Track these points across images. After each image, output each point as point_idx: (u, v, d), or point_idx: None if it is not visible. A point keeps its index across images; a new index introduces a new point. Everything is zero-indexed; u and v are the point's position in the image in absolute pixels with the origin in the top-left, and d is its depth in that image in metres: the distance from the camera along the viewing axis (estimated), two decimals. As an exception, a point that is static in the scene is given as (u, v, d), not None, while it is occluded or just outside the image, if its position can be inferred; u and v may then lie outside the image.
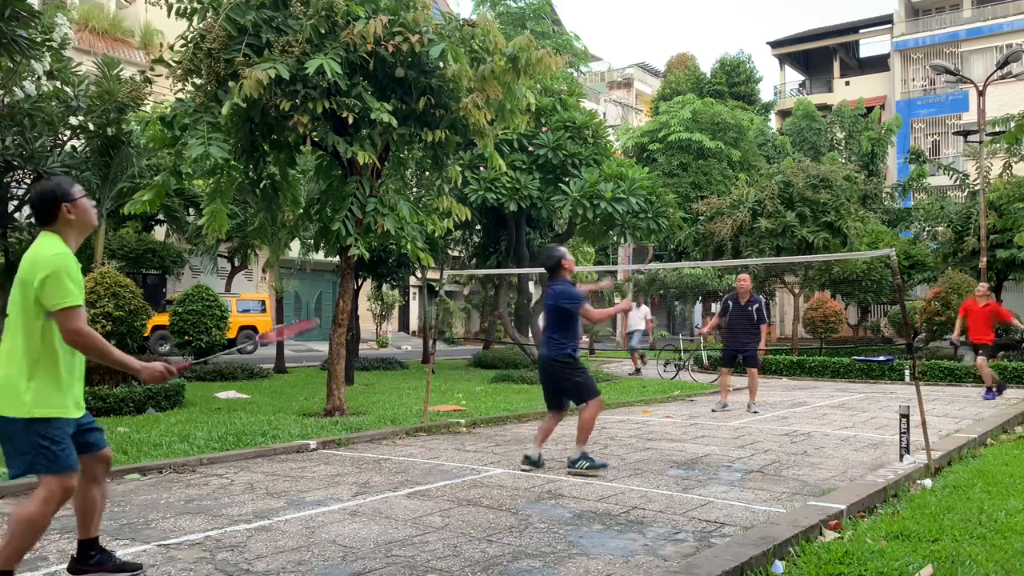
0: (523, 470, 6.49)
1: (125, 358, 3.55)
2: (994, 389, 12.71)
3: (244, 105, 7.98)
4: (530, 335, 18.30)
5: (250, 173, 9.74)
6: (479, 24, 9.12)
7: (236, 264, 25.97)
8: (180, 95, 8.91)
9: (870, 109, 37.40)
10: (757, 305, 10.81)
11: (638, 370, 18.30)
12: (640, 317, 18.63)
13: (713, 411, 10.94)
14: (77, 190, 3.56)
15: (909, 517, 4.80)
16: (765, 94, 44.82)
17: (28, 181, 13.87)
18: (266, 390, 12.61)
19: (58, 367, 3.41)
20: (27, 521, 3.35)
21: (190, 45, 8.53)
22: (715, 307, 42.28)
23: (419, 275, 23.13)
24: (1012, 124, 19.84)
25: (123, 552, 4.23)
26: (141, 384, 9.57)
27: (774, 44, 47.23)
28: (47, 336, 3.38)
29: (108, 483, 4.08)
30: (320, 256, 17.61)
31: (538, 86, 15.34)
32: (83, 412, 3.58)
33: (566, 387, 6.61)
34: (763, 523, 4.77)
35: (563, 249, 6.78)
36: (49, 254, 3.38)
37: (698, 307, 39.52)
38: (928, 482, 5.92)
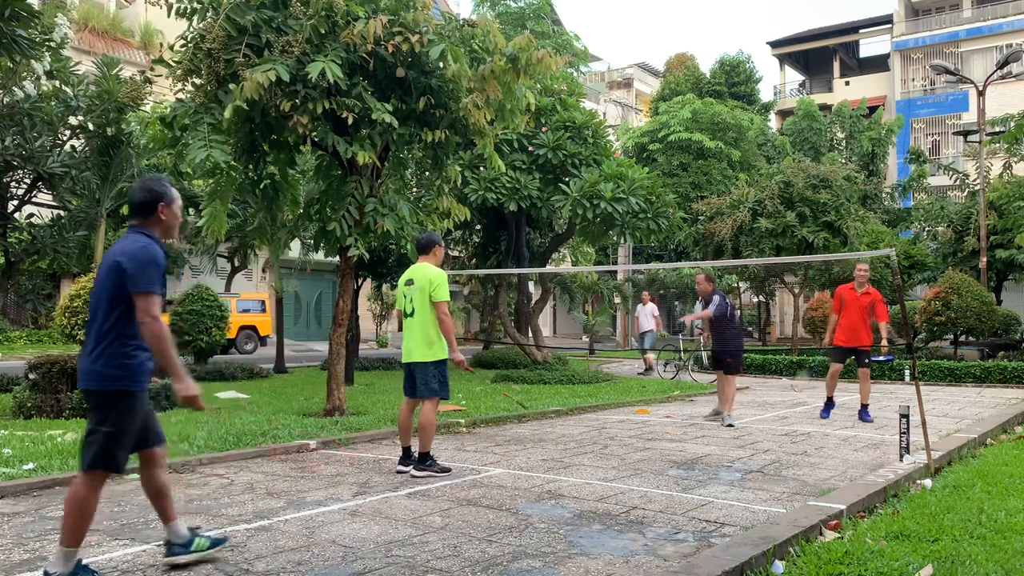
0: None
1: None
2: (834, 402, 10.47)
3: (245, 107, 7.98)
4: (530, 335, 18.29)
5: (250, 173, 9.74)
6: (479, 24, 9.11)
7: (236, 264, 25.96)
8: (180, 95, 8.91)
9: (872, 109, 37.39)
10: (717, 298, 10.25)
11: (651, 368, 18.22)
12: (648, 315, 18.62)
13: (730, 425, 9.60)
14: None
15: (909, 517, 4.80)
16: (765, 94, 44.84)
17: (28, 181, 13.87)
18: (266, 390, 12.60)
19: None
20: (429, 424, 6.32)
21: (190, 45, 8.52)
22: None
23: (419, 275, 23.07)
24: (1012, 124, 19.85)
25: (123, 552, 4.23)
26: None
27: (774, 44, 47.24)
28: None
29: None
30: (320, 256, 17.58)
31: (538, 86, 15.33)
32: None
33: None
34: (763, 523, 4.77)
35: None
36: (438, 271, 6.40)
37: (698, 307, 39.43)
38: (928, 482, 5.92)
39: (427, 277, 6.33)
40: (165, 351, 3.69)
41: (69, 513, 3.64)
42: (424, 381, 6.36)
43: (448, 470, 6.42)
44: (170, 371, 3.74)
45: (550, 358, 17.47)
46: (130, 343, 3.69)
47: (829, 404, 10.41)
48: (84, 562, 3.72)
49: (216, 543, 4.07)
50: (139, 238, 3.79)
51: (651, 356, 18.60)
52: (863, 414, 10.14)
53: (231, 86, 7.98)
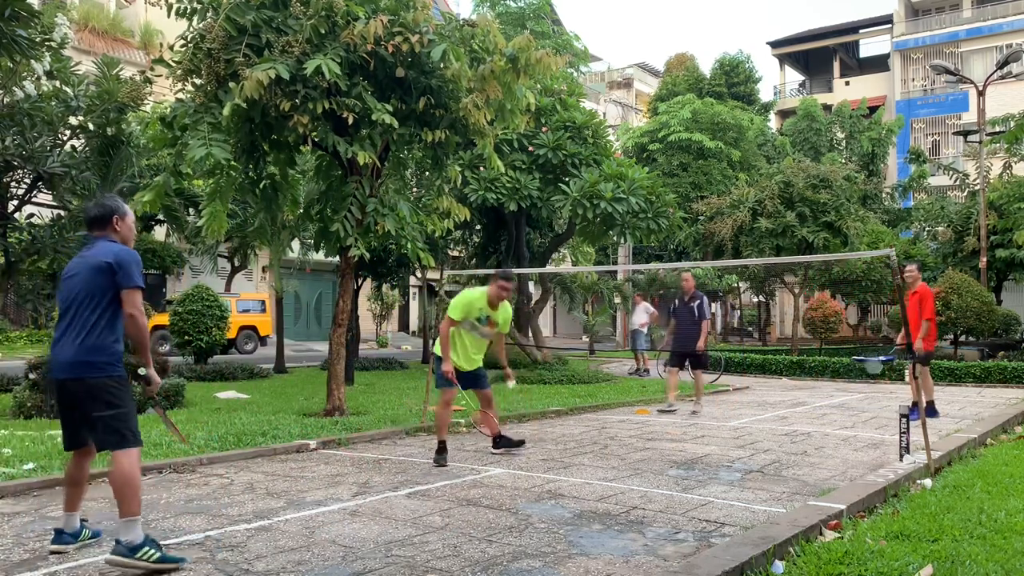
0: None
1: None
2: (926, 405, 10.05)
3: (245, 106, 7.98)
4: (530, 335, 18.29)
5: (250, 173, 9.74)
6: (479, 24, 9.11)
7: (236, 264, 25.97)
8: (180, 95, 8.90)
9: (872, 109, 37.37)
10: (699, 302, 10.77)
11: (646, 370, 18.15)
12: (641, 313, 18.60)
13: (661, 411, 10.84)
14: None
15: (909, 517, 4.80)
16: (765, 94, 44.84)
17: (28, 181, 13.86)
18: (266, 390, 12.60)
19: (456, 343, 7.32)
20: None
21: (190, 45, 8.52)
22: (715, 307, 42.33)
23: (419, 275, 23.13)
24: (1012, 124, 19.86)
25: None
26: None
27: (774, 44, 47.25)
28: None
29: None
30: (320, 256, 17.56)
31: (538, 86, 15.33)
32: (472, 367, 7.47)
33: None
34: (763, 523, 4.78)
35: None
36: (461, 294, 7.21)
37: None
38: (928, 482, 5.92)
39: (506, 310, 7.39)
40: (146, 342, 4.26)
41: (124, 489, 3.99)
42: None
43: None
44: (146, 360, 4.32)
45: (550, 358, 17.47)
46: (114, 335, 4.18)
47: (930, 408, 9.99)
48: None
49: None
50: (114, 245, 4.23)
51: (643, 355, 18.57)
52: (917, 410, 9.94)
53: (231, 85, 7.98)
